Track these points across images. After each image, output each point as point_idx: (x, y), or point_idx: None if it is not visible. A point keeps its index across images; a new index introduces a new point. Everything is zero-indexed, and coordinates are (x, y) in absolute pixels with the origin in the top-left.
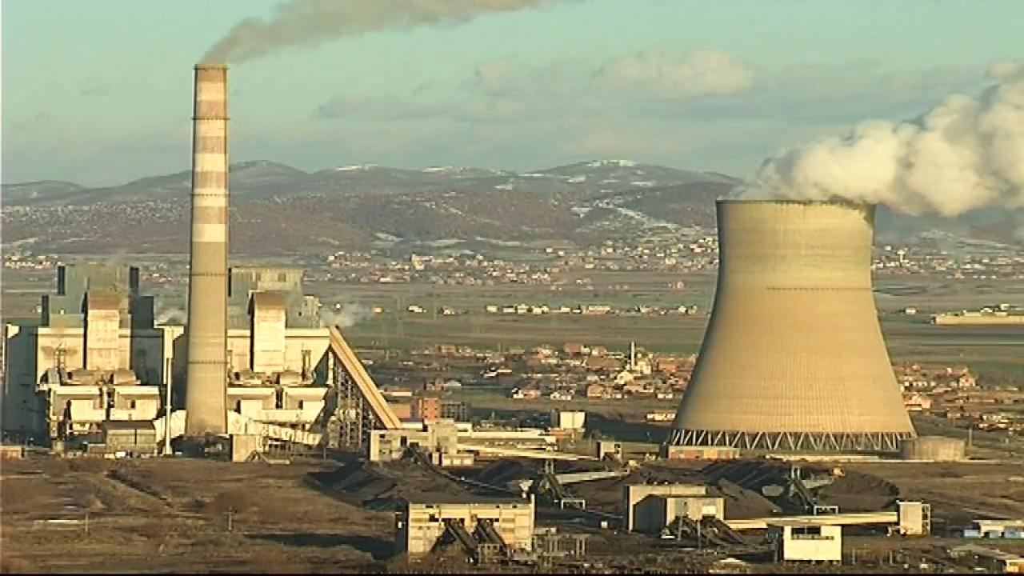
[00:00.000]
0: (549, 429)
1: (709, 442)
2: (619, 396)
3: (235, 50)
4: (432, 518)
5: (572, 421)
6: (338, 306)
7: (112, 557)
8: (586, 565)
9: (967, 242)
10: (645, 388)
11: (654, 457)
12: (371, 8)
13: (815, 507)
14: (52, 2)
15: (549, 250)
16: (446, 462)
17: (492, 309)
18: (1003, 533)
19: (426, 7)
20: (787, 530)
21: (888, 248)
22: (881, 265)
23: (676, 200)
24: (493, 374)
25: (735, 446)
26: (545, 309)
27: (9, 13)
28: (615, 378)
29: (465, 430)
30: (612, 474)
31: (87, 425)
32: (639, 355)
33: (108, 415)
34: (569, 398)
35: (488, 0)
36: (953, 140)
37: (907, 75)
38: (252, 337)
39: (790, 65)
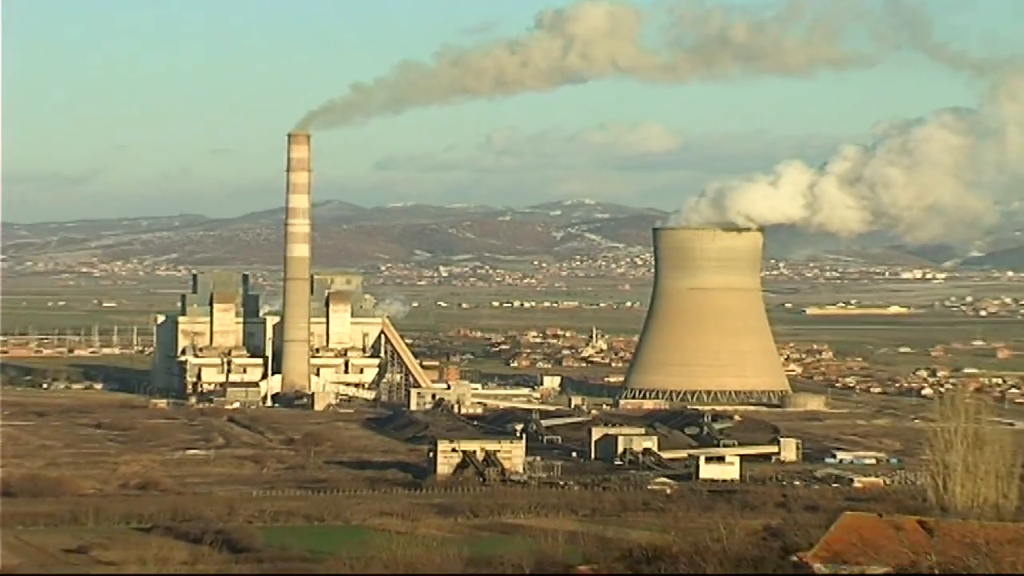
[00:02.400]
0: (535, 388)
1: (648, 397)
2: (584, 365)
3: (318, 121)
4: (453, 450)
5: (551, 382)
6: (388, 301)
7: (230, 477)
8: (561, 482)
9: (828, 256)
10: (603, 359)
11: (609, 407)
12: (436, 87)
13: (721, 442)
14: (189, 86)
15: (535, 262)
16: (464, 411)
17: (495, 304)
18: (852, 460)
19: (480, 89)
20: (702, 458)
21: (772, 260)
22: (767, 273)
23: (625, 227)
24: (496, 349)
25: (666, 400)
26: (532, 304)
27: (158, 93)
28: (582, 352)
29: (476, 388)
30: (580, 419)
31: (212, 385)
32: (599, 336)
33: (227, 378)
34: (549, 366)
35: (530, 81)
36: (846, 185)
37: (788, 139)
38: (327, 323)
39: (707, 132)
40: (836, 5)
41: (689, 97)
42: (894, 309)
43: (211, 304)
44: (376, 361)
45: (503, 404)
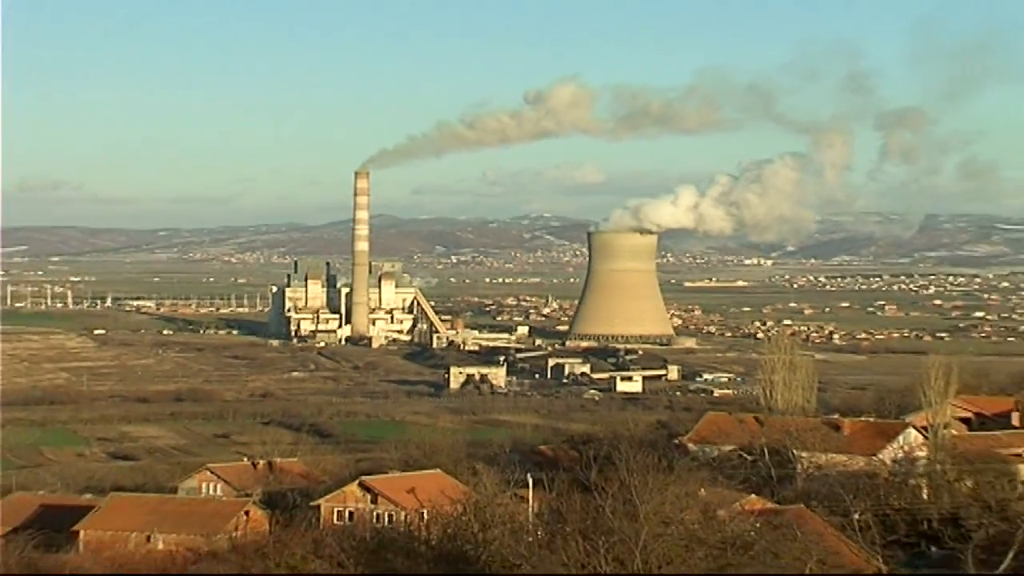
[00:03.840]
0: (512, 333)
1: (584, 339)
2: (544, 318)
3: (374, 163)
4: (460, 373)
5: (523, 330)
6: (420, 278)
7: (318, 389)
8: (528, 393)
9: (699, 250)
10: (556, 315)
11: (559, 346)
12: (462, 140)
13: (631, 367)
14: (294, 138)
15: (513, 254)
16: (467, 348)
17: (487, 280)
18: (713, 379)
19: (490, 142)
20: (618, 377)
21: (664, 253)
22: (660, 260)
23: (570, 231)
24: (487, 309)
25: (595, 340)
26: (510, 280)
27: (275, 143)
28: (542, 311)
29: (475, 334)
30: (541, 353)
31: (307, 331)
32: (552, 300)
33: (316, 327)
34: (522, 319)
35: (522, 136)
36: (720, 204)
37: (680, 174)
38: (380, 292)
39: (626, 170)
40: (717, 89)
41: (620, 148)
42: (740, 283)
43: (306, 280)
44: (411, 316)
45: (492, 344)
